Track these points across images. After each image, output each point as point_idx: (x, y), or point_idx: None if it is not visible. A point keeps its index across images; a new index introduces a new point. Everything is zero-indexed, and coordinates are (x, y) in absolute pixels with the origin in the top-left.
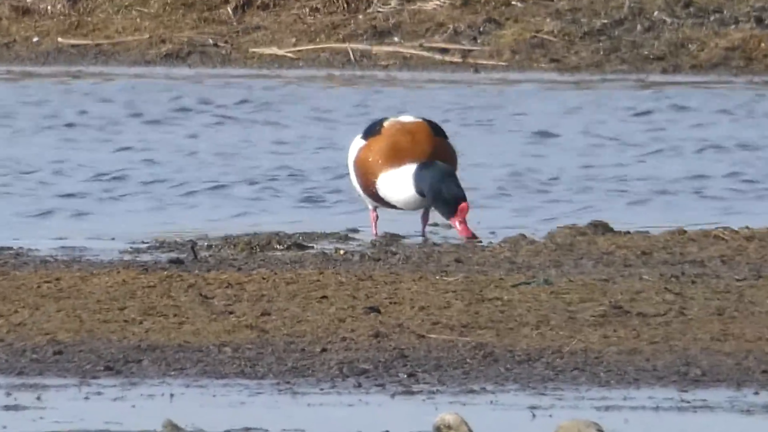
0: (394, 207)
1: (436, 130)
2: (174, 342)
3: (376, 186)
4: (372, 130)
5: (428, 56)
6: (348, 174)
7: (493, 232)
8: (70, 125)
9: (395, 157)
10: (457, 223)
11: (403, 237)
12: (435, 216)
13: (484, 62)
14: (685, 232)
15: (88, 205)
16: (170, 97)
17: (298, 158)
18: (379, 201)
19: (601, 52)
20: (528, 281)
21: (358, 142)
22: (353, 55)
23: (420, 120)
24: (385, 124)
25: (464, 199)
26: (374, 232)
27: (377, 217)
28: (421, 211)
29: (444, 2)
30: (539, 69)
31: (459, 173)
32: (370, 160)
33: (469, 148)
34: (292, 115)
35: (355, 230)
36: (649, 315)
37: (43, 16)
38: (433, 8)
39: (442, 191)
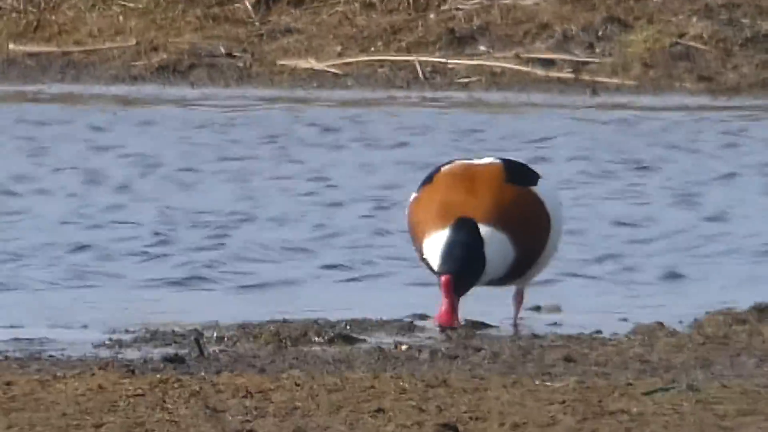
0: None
1: (512, 175)
2: None
3: (424, 255)
4: (427, 178)
5: (527, 71)
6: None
7: (624, 319)
8: (19, 174)
9: (444, 214)
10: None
11: (491, 326)
12: (538, 296)
13: (605, 80)
14: None
15: (51, 278)
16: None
17: (342, 217)
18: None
19: None
20: (666, 387)
21: (413, 195)
22: (422, 70)
23: (496, 162)
24: (443, 168)
25: (449, 271)
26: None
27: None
28: (512, 290)
29: None
30: (682, 90)
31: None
32: (417, 218)
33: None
34: (332, 155)
35: (424, 316)
36: None
37: None
38: (534, 4)
39: (440, 256)
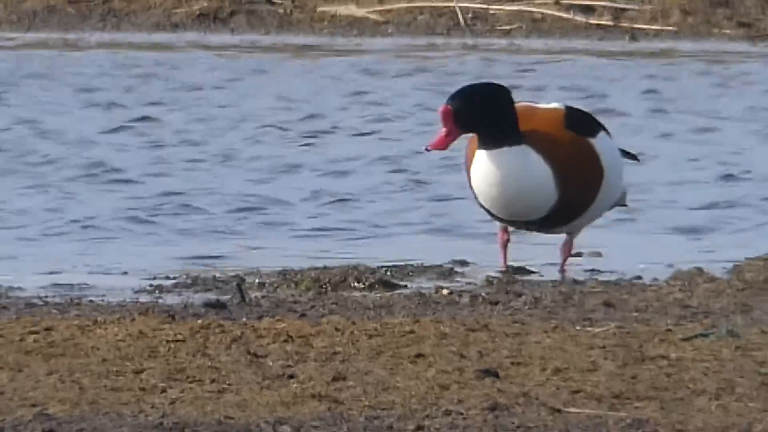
0: (528, 228)
1: (572, 123)
2: (211, 418)
3: (471, 183)
4: None
5: (567, 17)
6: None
7: (665, 265)
8: (65, 113)
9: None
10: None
11: (532, 272)
12: (580, 242)
13: (644, 26)
14: None
15: (91, 227)
16: (205, 72)
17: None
18: (495, 214)
19: None
20: (706, 333)
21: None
22: (463, 16)
23: (560, 107)
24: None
25: (449, 101)
26: (503, 262)
27: (508, 240)
28: (562, 237)
29: None
30: (722, 36)
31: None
32: (471, 152)
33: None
34: (381, 101)
35: (464, 262)
36: None
37: None
38: None
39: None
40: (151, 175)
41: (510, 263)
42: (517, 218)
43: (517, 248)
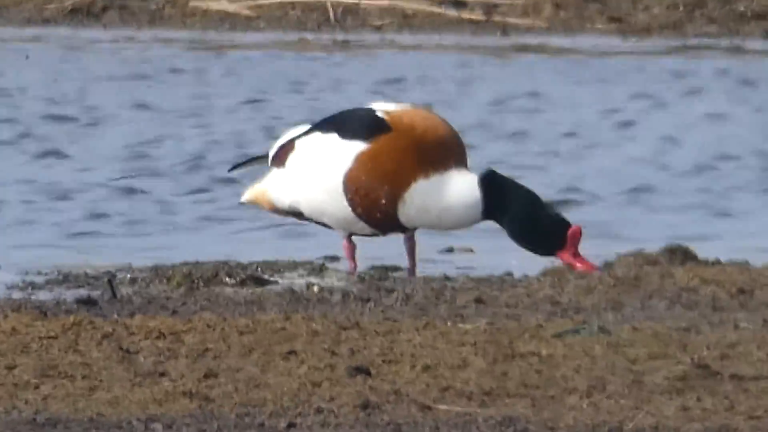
0: (379, 234)
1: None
2: (83, 415)
3: (402, 201)
4: (370, 128)
5: (438, 12)
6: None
7: (535, 261)
8: None
9: (433, 160)
10: (569, 257)
11: (401, 269)
12: (450, 237)
13: (516, 21)
14: None
15: None
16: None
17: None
18: (382, 225)
19: (681, 8)
20: (577, 329)
21: (347, 147)
22: (334, 12)
23: (424, 110)
24: (386, 116)
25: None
26: (353, 265)
27: (354, 247)
28: (402, 239)
29: None
30: (594, 31)
31: None
32: (388, 167)
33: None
34: (244, 93)
35: (336, 258)
36: (748, 378)
37: None
38: None
39: (541, 218)
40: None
41: (382, 261)
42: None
43: (386, 246)
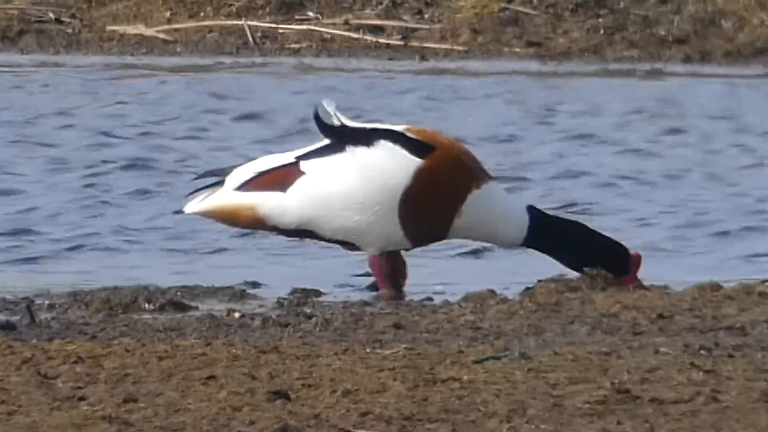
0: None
1: None
2: None
3: (459, 214)
4: (420, 145)
5: (356, 37)
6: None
7: (462, 287)
8: None
9: (477, 173)
10: (632, 282)
11: (322, 293)
12: (357, 265)
13: (434, 46)
14: (720, 287)
15: None
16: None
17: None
18: (424, 240)
19: (601, 32)
20: (497, 355)
21: (403, 165)
22: (252, 35)
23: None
24: (415, 134)
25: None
26: (387, 284)
27: (385, 263)
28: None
29: None
30: (512, 55)
31: None
32: (448, 181)
33: None
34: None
35: (256, 284)
36: (668, 402)
37: None
38: None
39: (607, 247)
40: None
41: (301, 286)
42: None
43: (305, 271)
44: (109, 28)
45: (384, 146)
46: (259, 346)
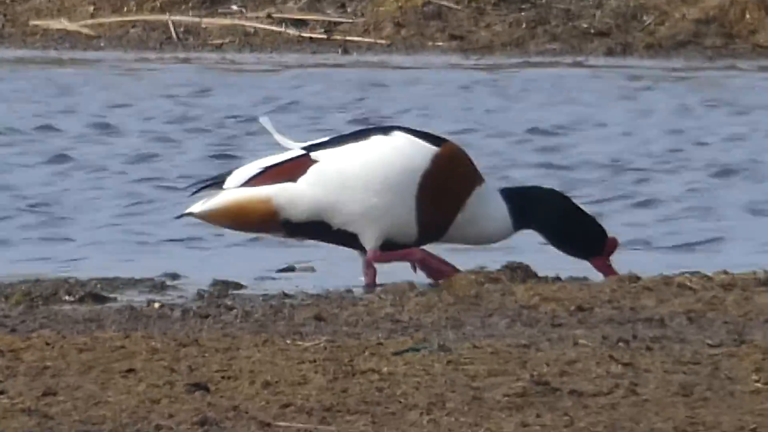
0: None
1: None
2: None
3: (463, 208)
4: (433, 136)
5: (279, 31)
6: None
7: (381, 279)
8: None
9: (477, 171)
10: (603, 265)
11: (243, 285)
12: (290, 255)
13: (357, 39)
14: (638, 278)
15: None
16: None
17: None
18: (430, 237)
19: (523, 26)
20: (417, 347)
21: (421, 150)
22: (175, 30)
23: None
24: (400, 130)
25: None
26: (372, 281)
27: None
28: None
29: None
30: (435, 49)
31: None
32: (461, 171)
33: None
34: (80, 117)
35: (175, 275)
36: (587, 394)
37: None
38: None
39: (585, 223)
40: None
41: (222, 278)
42: None
43: (226, 262)
44: (32, 22)
45: (400, 135)
46: (179, 338)
